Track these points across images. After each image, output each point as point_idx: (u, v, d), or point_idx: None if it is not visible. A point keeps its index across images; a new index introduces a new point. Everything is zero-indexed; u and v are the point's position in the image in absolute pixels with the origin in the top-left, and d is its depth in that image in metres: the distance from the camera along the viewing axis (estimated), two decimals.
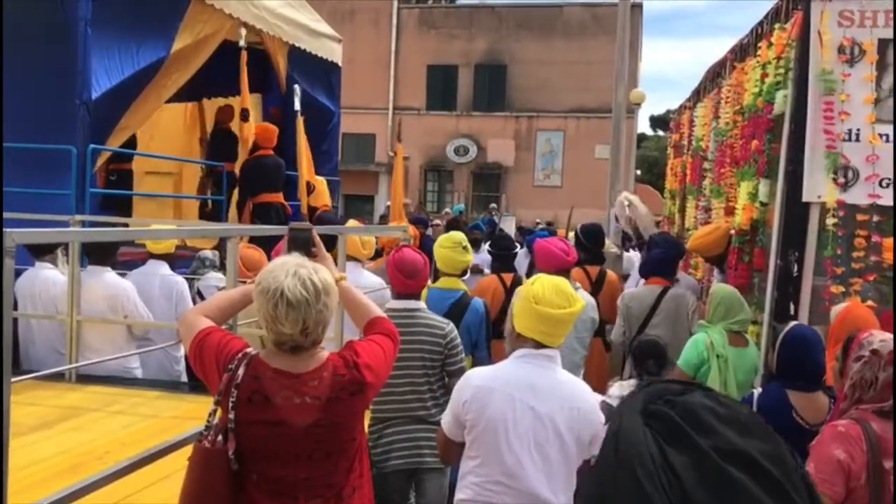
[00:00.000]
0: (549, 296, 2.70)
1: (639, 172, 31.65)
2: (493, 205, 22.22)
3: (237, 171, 8.47)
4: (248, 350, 2.23)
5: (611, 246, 8.28)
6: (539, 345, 2.75)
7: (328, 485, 2.25)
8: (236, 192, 8.52)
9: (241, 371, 2.15)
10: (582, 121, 27.38)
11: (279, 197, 8.14)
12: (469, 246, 4.55)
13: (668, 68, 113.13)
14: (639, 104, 20.30)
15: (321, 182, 8.53)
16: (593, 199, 20.81)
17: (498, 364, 2.91)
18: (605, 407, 4.00)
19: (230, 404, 2.13)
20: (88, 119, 5.76)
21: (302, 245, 2.56)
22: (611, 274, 5.74)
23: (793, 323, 3.52)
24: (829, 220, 4.16)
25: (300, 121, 8.15)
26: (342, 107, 10.76)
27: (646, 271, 5.64)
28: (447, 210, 20.60)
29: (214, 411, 2.20)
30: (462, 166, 28.70)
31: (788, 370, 3.15)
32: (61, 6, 5.66)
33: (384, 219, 17.05)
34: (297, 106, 8.10)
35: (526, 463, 2.67)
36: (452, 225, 11.49)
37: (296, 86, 8.27)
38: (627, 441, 0.82)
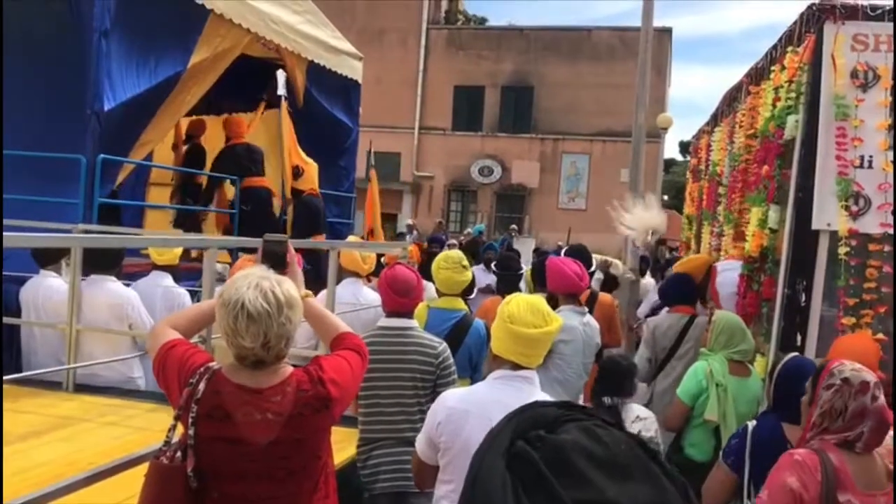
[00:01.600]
0: (525, 315, 2.63)
1: (665, 198, 31.36)
2: (514, 226, 22.14)
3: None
4: (211, 364, 2.18)
5: (626, 271, 8.15)
6: (516, 366, 2.67)
7: None
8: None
9: (201, 386, 2.10)
10: (608, 144, 27.25)
11: (264, 181, 8.47)
12: (468, 265, 4.49)
13: (700, 94, 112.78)
14: (666, 129, 20.12)
15: (311, 165, 8.62)
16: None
17: (473, 386, 2.84)
18: None
19: (190, 420, 2.08)
20: (99, 129, 5.79)
21: (275, 258, 2.51)
22: (603, 295, 5.65)
23: (791, 354, 3.40)
24: (842, 249, 4.03)
25: (284, 105, 8.45)
26: (369, 125, 10.77)
27: (669, 299, 5.56)
28: (468, 230, 20.57)
29: (174, 426, 2.14)
30: (486, 187, 28.67)
31: (784, 402, 3.03)
32: (77, 17, 5.71)
33: (402, 236, 17.05)
34: (281, 90, 8.26)
35: None
36: (470, 246, 11.47)
37: (279, 71, 8.42)
38: (483, 492, 0.73)
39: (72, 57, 5.73)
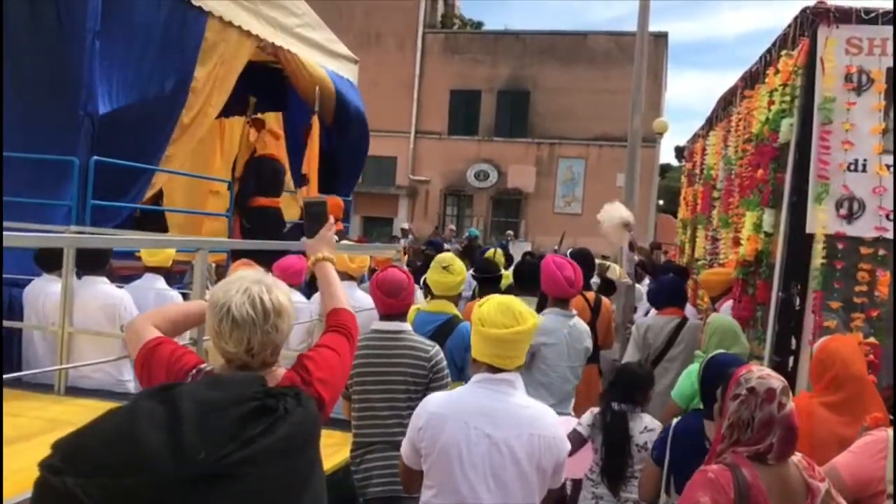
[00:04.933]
0: (495, 316, 2.62)
1: (661, 202, 31.40)
2: (510, 231, 22.12)
3: None
4: (203, 366, 2.15)
5: (623, 275, 8.14)
6: (494, 369, 2.66)
7: None
8: None
9: None
10: (604, 149, 27.27)
11: (276, 202, 8.37)
12: (458, 268, 4.50)
13: (695, 99, 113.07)
14: (661, 133, 20.15)
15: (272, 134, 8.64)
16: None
17: (456, 389, 2.82)
18: (576, 434, 3.91)
19: None
20: (92, 131, 5.75)
21: (318, 218, 2.58)
22: (605, 300, 5.67)
23: (716, 351, 3.43)
24: (818, 253, 4.03)
25: (315, 119, 8.72)
26: None
27: (658, 301, 5.54)
28: (467, 235, 20.56)
29: None
30: (482, 191, 28.66)
31: (706, 399, 3.04)
32: (67, 17, 5.66)
33: (395, 240, 17.05)
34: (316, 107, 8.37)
35: (482, 492, 2.58)
36: (466, 250, 11.48)
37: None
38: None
39: (63, 58, 5.69)
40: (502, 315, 2.62)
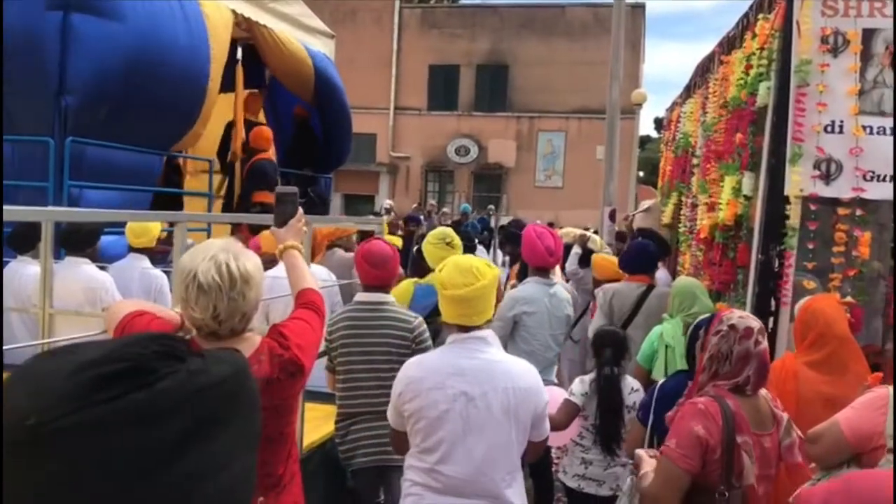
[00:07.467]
0: (454, 277, 2.70)
1: (641, 174, 31.48)
2: (491, 206, 22.17)
3: None
4: (184, 334, 2.16)
5: (603, 246, 8.18)
6: (465, 328, 2.73)
7: (267, 473, 2.18)
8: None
9: None
10: (584, 122, 27.27)
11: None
12: (455, 243, 4.57)
13: (674, 70, 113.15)
14: (640, 104, 20.16)
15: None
16: (594, 199, 20.62)
17: (431, 352, 2.90)
18: (570, 405, 3.95)
19: None
20: (66, 112, 5.65)
21: (288, 208, 2.59)
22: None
23: (703, 315, 3.48)
24: (793, 214, 4.07)
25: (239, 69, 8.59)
26: None
27: (628, 267, 5.52)
28: (445, 210, 20.59)
29: None
30: (463, 167, 28.62)
31: (691, 361, 3.12)
32: None
33: (378, 216, 17.04)
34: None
35: (461, 449, 2.65)
36: (457, 224, 11.63)
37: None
38: None
39: (31, 36, 5.57)
40: (461, 275, 2.70)
